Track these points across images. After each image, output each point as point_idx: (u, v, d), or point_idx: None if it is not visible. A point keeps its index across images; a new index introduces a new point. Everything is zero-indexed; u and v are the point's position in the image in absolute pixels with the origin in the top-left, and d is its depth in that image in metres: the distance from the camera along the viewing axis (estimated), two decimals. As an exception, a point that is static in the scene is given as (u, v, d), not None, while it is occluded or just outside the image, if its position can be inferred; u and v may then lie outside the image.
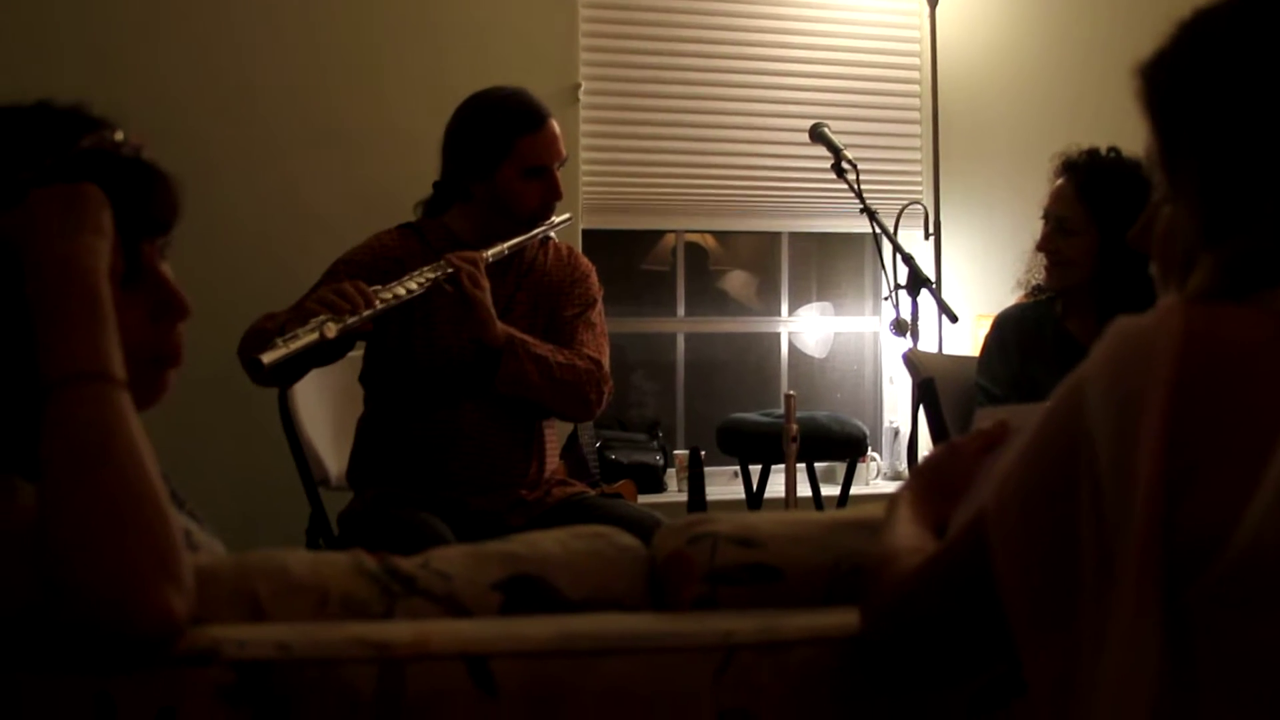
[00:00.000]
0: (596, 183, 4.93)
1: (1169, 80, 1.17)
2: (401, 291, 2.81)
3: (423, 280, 2.86)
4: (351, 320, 2.67)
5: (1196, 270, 1.13)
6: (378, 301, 2.74)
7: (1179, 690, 1.00)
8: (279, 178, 4.49)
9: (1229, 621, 0.99)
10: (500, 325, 2.96)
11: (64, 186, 1.26)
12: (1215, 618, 1.00)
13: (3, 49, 4.12)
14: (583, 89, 4.85)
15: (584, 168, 4.84)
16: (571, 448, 3.86)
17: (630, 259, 5.49)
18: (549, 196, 3.12)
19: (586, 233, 4.87)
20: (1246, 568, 0.97)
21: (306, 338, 2.59)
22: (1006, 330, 3.37)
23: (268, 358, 2.52)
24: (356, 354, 3.18)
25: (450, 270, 2.89)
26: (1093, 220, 3.15)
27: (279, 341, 2.56)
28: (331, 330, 2.62)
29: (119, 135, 1.35)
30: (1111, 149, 3.19)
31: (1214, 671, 1.00)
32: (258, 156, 4.48)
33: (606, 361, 3.17)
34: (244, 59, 4.48)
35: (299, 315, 2.69)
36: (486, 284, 2.93)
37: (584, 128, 4.85)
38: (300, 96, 4.54)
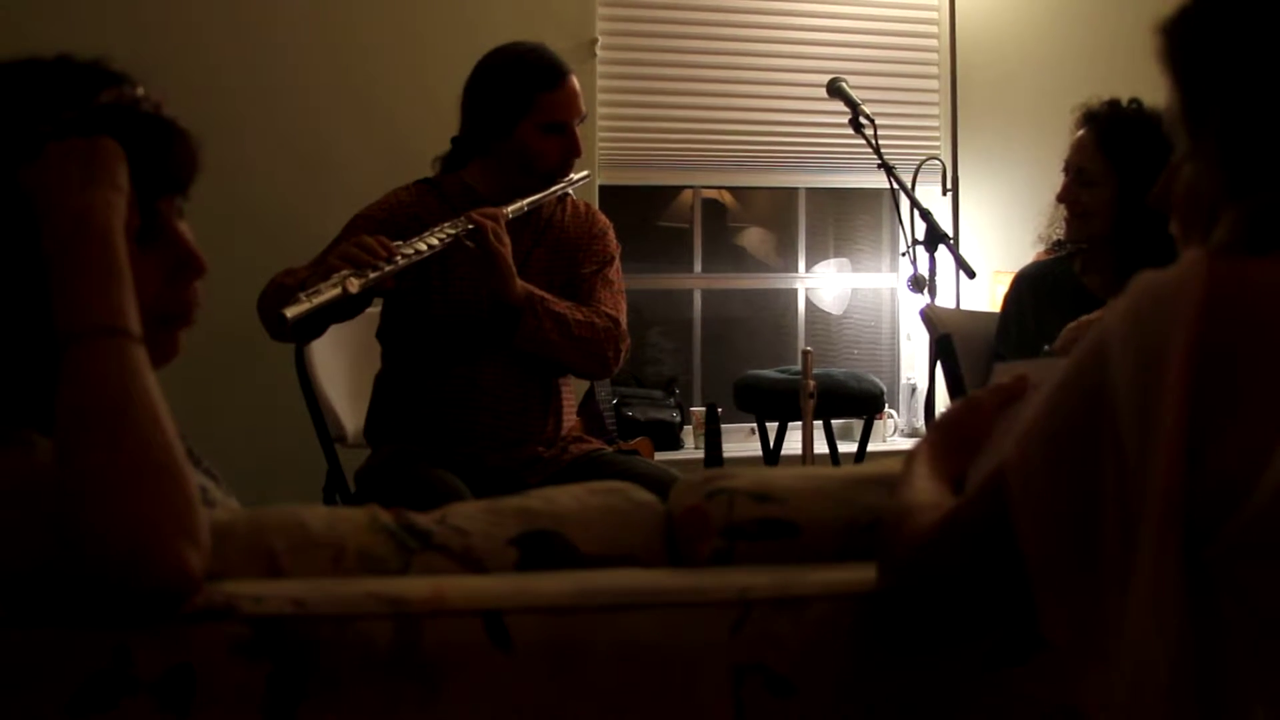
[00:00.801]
0: (613, 139, 4.91)
1: (1192, 36, 1.16)
2: (423, 247, 2.81)
3: (444, 236, 2.85)
4: (374, 275, 2.67)
5: (1219, 225, 1.13)
6: (399, 257, 2.74)
7: (1204, 648, 1.00)
8: (300, 132, 4.49)
9: (1252, 575, 0.99)
10: (520, 282, 2.96)
11: (81, 140, 1.25)
12: (1238, 572, 0.99)
13: (30, 7, 4.11)
14: (599, 44, 4.83)
15: (601, 124, 4.82)
16: (588, 405, 3.86)
17: (647, 215, 5.47)
18: (568, 153, 3.11)
19: (603, 189, 4.86)
20: (1269, 520, 0.97)
21: (329, 293, 2.59)
22: (1024, 289, 3.36)
23: (291, 312, 2.52)
24: (374, 310, 3.18)
25: (471, 226, 2.88)
26: (1113, 171, 3.13)
27: (302, 296, 2.56)
28: (354, 285, 2.62)
29: (139, 91, 1.34)
30: (1133, 101, 3.17)
31: (1239, 628, 1.00)
32: (278, 111, 4.47)
33: (624, 319, 3.16)
34: (268, 13, 4.47)
35: (321, 270, 2.69)
36: (508, 240, 2.93)
37: (601, 83, 4.83)
38: (322, 51, 4.52)
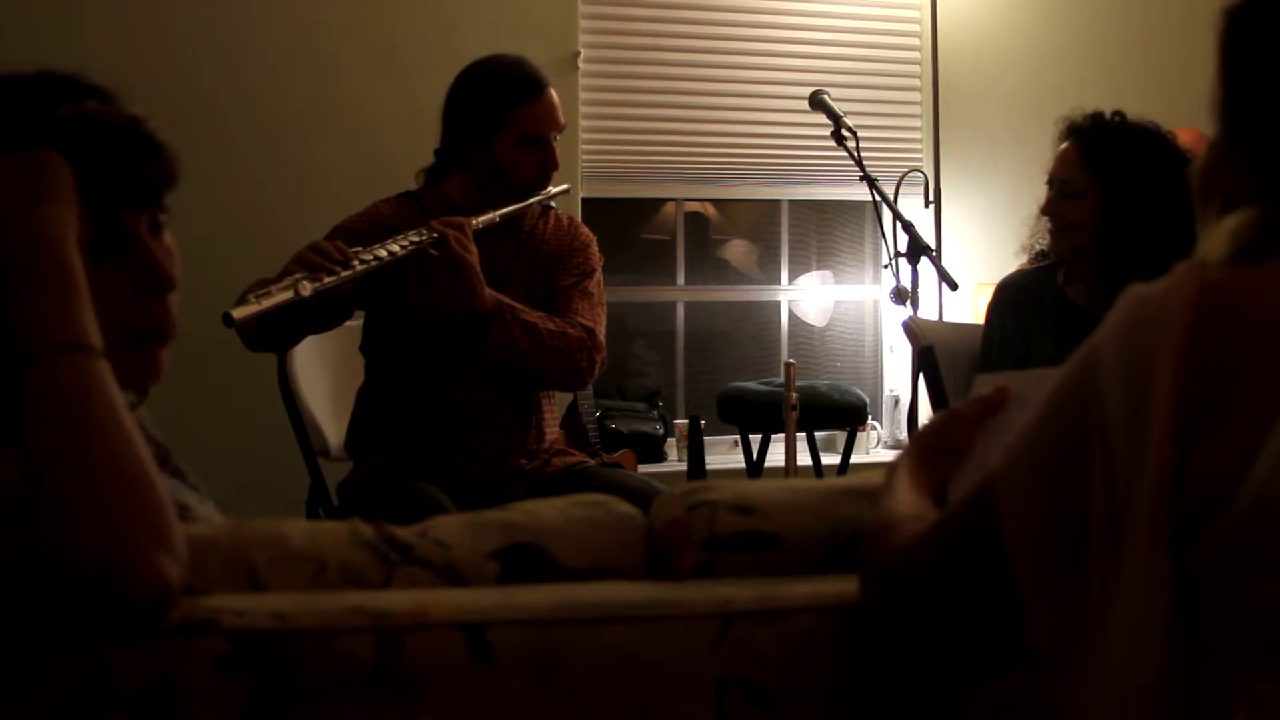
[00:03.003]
0: (596, 151, 4.92)
1: (1248, 26, 1.14)
2: (383, 254, 2.79)
3: (405, 244, 2.84)
4: (329, 280, 2.65)
5: (1216, 231, 1.12)
6: (357, 262, 2.73)
7: (1188, 651, 1.01)
8: (283, 143, 4.50)
9: (1234, 580, 0.99)
10: (489, 291, 2.95)
11: (21, 155, 1.22)
12: (1220, 577, 1.00)
13: (16, 16, 4.11)
14: (582, 57, 4.83)
15: (583, 136, 4.83)
16: (571, 417, 3.85)
17: (630, 227, 5.48)
18: (545, 166, 3.11)
19: (586, 201, 4.86)
20: (1251, 525, 0.97)
21: (280, 295, 2.56)
22: (1006, 296, 3.36)
23: (238, 314, 2.49)
24: (356, 323, 3.18)
25: (435, 235, 2.88)
26: (1097, 184, 3.12)
27: (251, 298, 2.54)
28: (306, 289, 2.59)
29: (110, 103, 1.32)
30: (1116, 113, 3.17)
31: (1222, 631, 1.00)
32: (262, 122, 4.48)
33: (601, 331, 3.16)
34: (250, 25, 4.47)
35: (279, 276, 2.68)
36: (474, 249, 2.92)
37: (583, 96, 4.84)
38: (305, 62, 4.54)
